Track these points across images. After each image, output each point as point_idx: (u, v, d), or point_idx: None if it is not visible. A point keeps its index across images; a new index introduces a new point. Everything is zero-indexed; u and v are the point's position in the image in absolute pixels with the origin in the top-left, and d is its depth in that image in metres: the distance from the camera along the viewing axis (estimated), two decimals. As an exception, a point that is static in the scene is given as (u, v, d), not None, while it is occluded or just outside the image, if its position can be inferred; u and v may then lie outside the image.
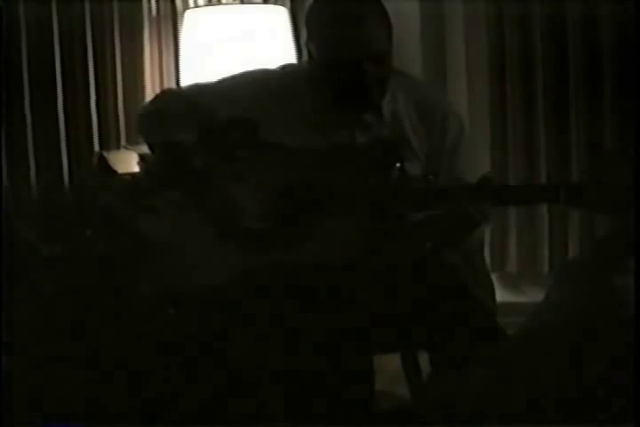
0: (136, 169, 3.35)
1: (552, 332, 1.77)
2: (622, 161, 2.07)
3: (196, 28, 3.60)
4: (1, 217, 2.76)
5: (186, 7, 3.78)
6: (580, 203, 2.15)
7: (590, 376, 1.65)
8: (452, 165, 2.35)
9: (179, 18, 3.77)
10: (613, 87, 3.59)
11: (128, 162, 3.38)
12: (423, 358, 2.47)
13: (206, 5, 3.79)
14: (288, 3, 3.83)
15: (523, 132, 3.76)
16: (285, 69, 2.46)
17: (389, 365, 2.70)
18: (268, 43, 3.55)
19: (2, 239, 2.38)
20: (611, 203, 2.03)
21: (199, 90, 2.45)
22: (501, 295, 2.93)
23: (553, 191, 2.15)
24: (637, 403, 1.59)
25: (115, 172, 3.39)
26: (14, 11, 3.53)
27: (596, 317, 1.73)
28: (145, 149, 2.48)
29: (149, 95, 3.69)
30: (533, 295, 3.69)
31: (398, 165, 2.24)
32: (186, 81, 3.54)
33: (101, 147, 3.69)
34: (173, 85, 3.73)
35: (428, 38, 3.91)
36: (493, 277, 2.79)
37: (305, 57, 2.41)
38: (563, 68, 3.67)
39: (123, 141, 3.70)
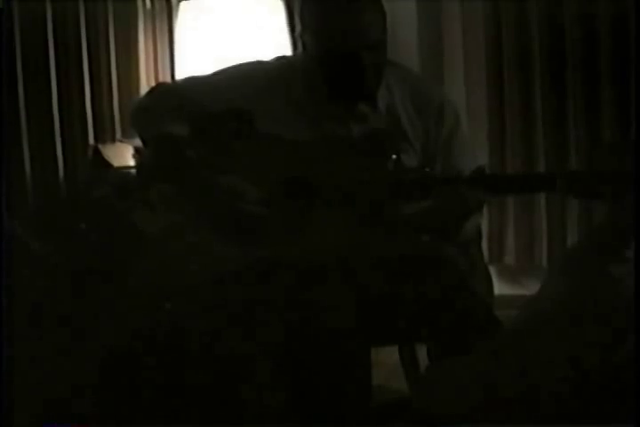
0: (131, 162, 3.35)
1: (548, 321, 1.76)
2: (620, 150, 2.06)
3: (190, 19, 3.58)
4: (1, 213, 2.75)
5: (180, -1, 3.77)
6: (576, 191, 2.14)
7: (587, 368, 1.64)
8: (448, 156, 2.35)
9: (174, 10, 3.75)
10: (611, 80, 3.59)
11: (123, 155, 3.39)
12: (421, 352, 2.46)
13: (201, -3, 3.78)
14: (283, -6, 3.82)
15: (520, 125, 3.75)
16: (280, 61, 2.45)
17: (387, 359, 2.70)
18: (264, 34, 3.54)
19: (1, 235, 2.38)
20: (607, 191, 2.03)
21: (194, 83, 2.44)
22: (499, 288, 2.92)
23: (550, 180, 2.15)
24: (638, 403, 1.58)
25: (110, 165, 3.39)
26: (9, 3, 3.51)
27: (592, 306, 1.72)
28: (140, 142, 2.47)
29: (144, 88, 3.68)
30: (532, 288, 3.65)
31: (394, 156, 2.23)
32: (181, 73, 3.53)
33: (96, 140, 3.68)
34: (168, 78, 3.72)
35: (424, 32, 3.90)
36: (491, 269, 2.78)
37: (300, 48, 2.40)
38: (560, 60, 3.66)
39: (118, 135, 3.69)
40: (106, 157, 3.43)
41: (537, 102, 3.71)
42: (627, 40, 3.51)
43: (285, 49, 3.54)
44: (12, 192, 3.42)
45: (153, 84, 3.64)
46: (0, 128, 3.48)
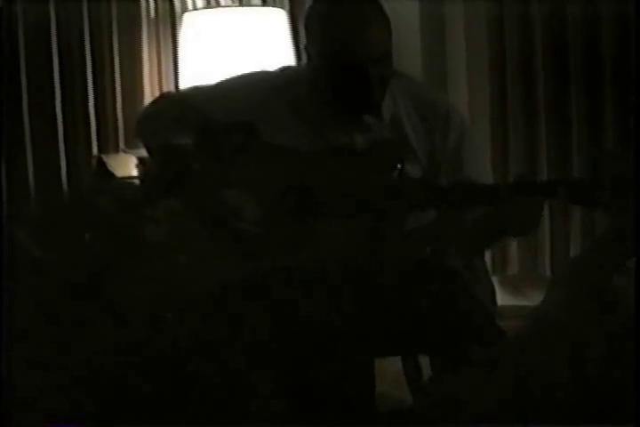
0: (135, 173, 3.36)
1: (551, 331, 1.77)
2: (622, 158, 2.07)
3: (194, 30, 3.59)
4: (1, 221, 2.75)
5: (184, 9, 3.77)
6: (579, 199, 2.14)
7: (589, 376, 1.65)
8: (457, 164, 2.33)
9: (177, 20, 3.76)
10: (615, 85, 3.59)
11: (127, 165, 3.39)
12: (424, 361, 2.46)
13: (205, 8, 3.79)
14: (287, 5, 3.82)
15: (523, 131, 3.76)
16: (284, 72, 2.45)
17: (390, 367, 2.69)
18: (267, 45, 3.55)
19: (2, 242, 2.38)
20: (610, 199, 2.03)
21: (198, 93, 2.44)
22: (503, 298, 2.92)
23: (552, 188, 2.15)
24: (637, 403, 1.58)
25: (113, 175, 3.39)
26: (13, 12, 3.52)
27: (594, 316, 1.73)
28: (144, 152, 2.47)
29: (148, 98, 3.69)
30: (535, 298, 3.67)
31: (398, 166, 2.23)
32: (185, 84, 3.53)
33: (100, 150, 3.68)
34: (172, 88, 3.73)
35: (427, 38, 3.91)
36: (494, 280, 2.78)
37: (304, 59, 2.40)
38: (563, 66, 3.67)
39: (121, 145, 3.70)
40: (109, 168, 3.44)
41: (540, 108, 3.71)
42: (631, 45, 3.51)
43: (289, 60, 3.55)
44: (16, 201, 3.43)
45: (157, 94, 3.64)
46: (3, 138, 3.49)
